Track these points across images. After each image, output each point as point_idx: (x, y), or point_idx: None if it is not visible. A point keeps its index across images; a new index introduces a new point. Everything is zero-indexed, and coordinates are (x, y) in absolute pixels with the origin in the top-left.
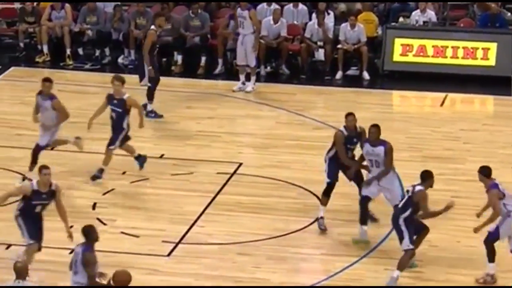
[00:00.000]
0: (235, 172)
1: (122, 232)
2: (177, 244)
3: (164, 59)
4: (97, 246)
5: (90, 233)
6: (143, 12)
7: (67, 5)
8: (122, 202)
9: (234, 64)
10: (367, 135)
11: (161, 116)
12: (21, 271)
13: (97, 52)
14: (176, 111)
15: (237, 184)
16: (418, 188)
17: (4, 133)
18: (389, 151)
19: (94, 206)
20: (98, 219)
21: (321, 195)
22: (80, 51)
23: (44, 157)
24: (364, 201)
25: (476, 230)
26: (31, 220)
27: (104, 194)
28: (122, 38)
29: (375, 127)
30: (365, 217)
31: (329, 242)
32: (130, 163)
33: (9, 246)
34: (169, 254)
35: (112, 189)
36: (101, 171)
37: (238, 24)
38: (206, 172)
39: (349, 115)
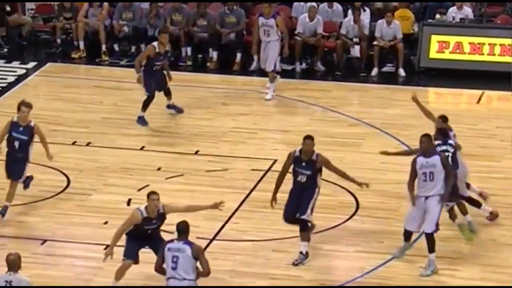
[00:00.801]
0: (269, 169)
1: None
2: (211, 240)
3: (200, 56)
4: None
5: (187, 228)
6: (179, 8)
7: (105, 3)
8: None
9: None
10: (419, 145)
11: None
12: (13, 264)
13: (133, 48)
14: (211, 107)
15: (271, 181)
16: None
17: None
18: (445, 159)
19: (128, 202)
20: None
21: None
22: (116, 47)
23: (78, 153)
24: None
25: None
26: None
27: (139, 190)
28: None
29: (426, 137)
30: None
31: (364, 240)
32: (165, 159)
33: (44, 241)
34: (203, 250)
35: (147, 185)
36: (5, 208)
37: (262, 33)
38: (240, 168)
39: (307, 139)
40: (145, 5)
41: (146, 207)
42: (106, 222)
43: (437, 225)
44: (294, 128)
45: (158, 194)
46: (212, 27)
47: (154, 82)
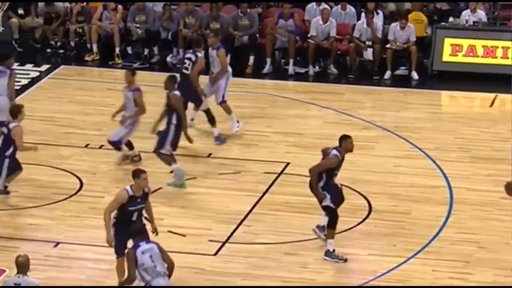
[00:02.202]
0: (282, 171)
1: (169, 231)
2: (224, 243)
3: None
4: None
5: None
6: (192, 11)
7: (120, 6)
8: (169, 201)
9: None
10: None
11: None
12: (22, 266)
13: (146, 51)
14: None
15: (284, 184)
16: (333, 152)
17: (53, 131)
18: None
19: None
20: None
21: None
22: (129, 50)
23: (91, 155)
24: None
25: None
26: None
27: (152, 192)
28: (171, 37)
29: None
30: None
31: (377, 243)
32: (178, 161)
33: (57, 244)
34: (216, 254)
35: (160, 188)
36: None
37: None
38: (253, 171)
39: (142, 173)
40: (158, 8)
41: (132, 186)
42: None
43: None
44: (307, 131)
45: (146, 173)
46: (225, 30)
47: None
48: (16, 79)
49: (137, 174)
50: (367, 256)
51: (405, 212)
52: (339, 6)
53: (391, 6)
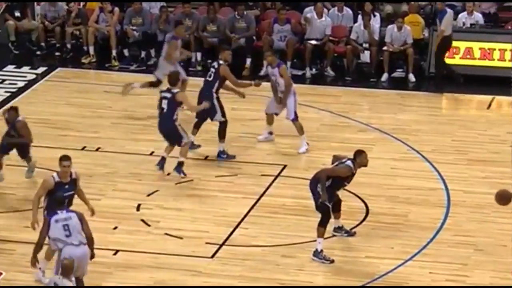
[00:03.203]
0: (279, 174)
1: (166, 234)
2: (220, 246)
3: (210, 61)
4: (141, 247)
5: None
6: (189, 13)
7: (116, 9)
8: (166, 204)
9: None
10: None
11: (233, 157)
12: (65, 268)
13: (143, 54)
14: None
15: (281, 186)
16: (348, 162)
17: (49, 134)
18: None
19: (138, 207)
20: (142, 220)
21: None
22: (126, 52)
23: (88, 158)
24: None
25: None
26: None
27: (149, 195)
28: None
29: None
30: None
31: (374, 245)
32: (175, 164)
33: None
34: (212, 256)
35: (157, 190)
36: None
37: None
38: (250, 174)
39: (65, 160)
40: (155, 10)
41: (58, 173)
42: (115, 227)
43: None
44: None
45: (70, 160)
46: (222, 32)
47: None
48: (13, 82)
49: (60, 161)
50: (364, 258)
51: (402, 214)
52: (336, 8)
53: (388, 8)
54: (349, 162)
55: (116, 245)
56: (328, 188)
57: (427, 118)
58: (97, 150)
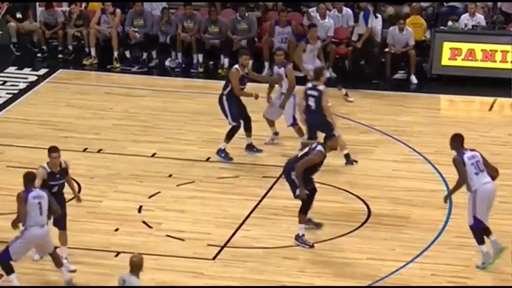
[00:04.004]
0: (281, 176)
1: (168, 235)
2: (222, 247)
3: (211, 63)
4: (143, 249)
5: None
6: (191, 15)
7: (118, 10)
8: (167, 205)
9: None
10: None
11: (231, 159)
12: (134, 265)
13: (144, 55)
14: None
15: (283, 188)
16: (318, 147)
17: (51, 136)
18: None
19: (140, 209)
20: (143, 222)
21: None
22: (127, 54)
23: (89, 159)
24: None
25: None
26: None
27: (150, 197)
28: (170, 41)
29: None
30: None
31: (375, 247)
32: (176, 166)
33: (55, 248)
34: (214, 258)
35: (158, 192)
36: None
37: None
38: (252, 175)
39: (54, 152)
40: (157, 12)
41: (48, 163)
42: (117, 229)
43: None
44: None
45: (59, 152)
46: (223, 34)
47: None
48: (14, 83)
49: (49, 153)
50: (366, 260)
51: (404, 216)
52: (335, 9)
53: (390, 10)
54: (320, 147)
55: (117, 247)
56: (303, 176)
57: (429, 119)
58: (98, 151)
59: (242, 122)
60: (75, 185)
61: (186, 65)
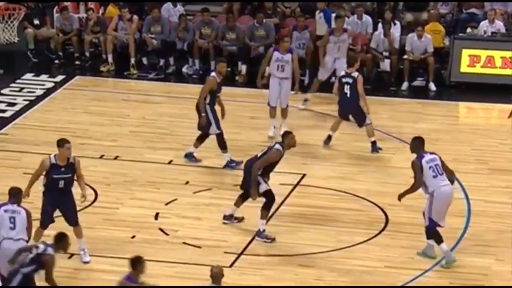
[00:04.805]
0: (298, 183)
1: (184, 243)
2: (239, 255)
3: (229, 69)
4: (159, 256)
5: (20, 192)
6: (208, 21)
7: (135, 17)
8: (184, 213)
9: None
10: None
11: (241, 162)
12: (217, 276)
13: (162, 62)
14: (239, 121)
15: (300, 196)
16: (276, 146)
17: None
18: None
19: (156, 216)
20: (160, 229)
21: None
22: (145, 60)
23: (106, 166)
24: None
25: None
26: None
27: (167, 204)
28: (187, 47)
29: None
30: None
31: (393, 255)
32: (193, 173)
33: (71, 255)
34: (231, 265)
35: (175, 199)
36: None
37: (276, 68)
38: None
39: (67, 142)
40: (174, 18)
41: (55, 155)
42: (133, 236)
43: None
44: (313, 141)
45: (70, 143)
46: (241, 41)
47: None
48: (31, 90)
49: (61, 143)
50: (384, 268)
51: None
52: (355, 15)
53: (408, 16)
54: (277, 146)
55: (134, 254)
56: (260, 175)
57: (448, 127)
58: (115, 158)
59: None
60: (85, 185)
61: (204, 72)
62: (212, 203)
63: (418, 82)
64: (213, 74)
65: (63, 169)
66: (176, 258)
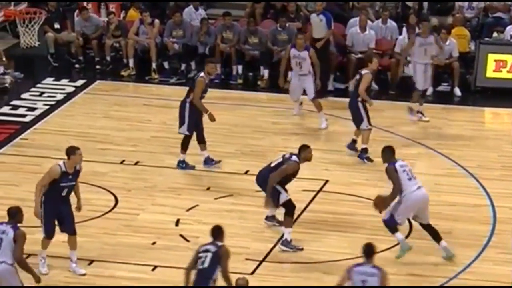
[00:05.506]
0: (321, 189)
1: None
2: (261, 262)
3: (251, 74)
4: (180, 263)
5: (19, 212)
6: (230, 25)
7: (157, 21)
8: (205, 219)
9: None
10: None
11: (193, 167)
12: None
13: (183, 66)
14: (262, 126)
15: (323, 202)
16: (293, 158)
17: (88, 148)
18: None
19: (177, 223)
20: (181, 235)
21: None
22: (166, 65)
23: (126, 172)
24: None
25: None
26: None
27: (188, 210)
28: (208, 51)
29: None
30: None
31: (416, 262)
32: (214, 179)
33: (91, 262)
34: (252, 272)
35: (196, 205)
36: None
37: (294, 64)
38: (291, 189)
39: (78, 149)
40: (196, 22)
41: (65, 162)
42: (154, 243)
43: None
44: (346, 148)
45: (80, 149)
46: (263, 45)
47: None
48: (52, 94)
49: (73, 150)
50: (407, 276)
51: (446, 231)
52: (380, 19)
53: (434, 20)
54: (294, 157)
55: (154, 260)
56: (277, 186)
57: (473, 133)
58: (136, 164)
59: (195, 133)
60: (81, 192)
61: (225, 77)
62: (233, 209)
63: (443, 87)
64: (202, 74)
65: (70, 176)
66: None
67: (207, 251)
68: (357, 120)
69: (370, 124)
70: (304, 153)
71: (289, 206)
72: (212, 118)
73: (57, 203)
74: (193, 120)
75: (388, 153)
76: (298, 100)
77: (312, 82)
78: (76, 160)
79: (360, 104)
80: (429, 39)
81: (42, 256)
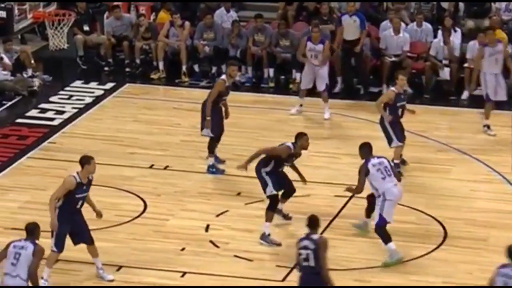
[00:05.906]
0: (353, 195)
1: (235, 256)
2: (292, 268)
3: (282, 77)
4: (210, 269)
5: (36, 228)
6: (262, 28)
7: (187, 23)
8: (235, 224)
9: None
10: None
11: (222, 172)
12: None
13: (214, 69)
14: (292, 130)
15: (355, 208)
16: (287, 143)
17: (117, 151)
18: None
19: (207, 228)
20: (211, 241)
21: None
22: (196, 67)
23: (156, 176)
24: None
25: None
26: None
27: (218, 215)
28: (240, 54)
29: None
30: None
31: (451, 270)
32: (245, 184)
33: (120, 268)
34: (283, 279)
35: (226, 211)
36: None
37: (310, 56)
38: (323, 194)
39: (92, 158)
40: (227, 25)
41: (78, 173)
42: (183, 249)
43: None
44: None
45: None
46: (295, 48)
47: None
48: (80, 98)
49: (88, 160)
50: (441, 284)
51: (482, 238)
52: (415, 23)
53: (470, 23)
54: (288, 143)
55: (184, 266)
56: (270, 171)
57: (509, 138)
58: (165, 168)
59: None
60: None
61: (257, 80)
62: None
63: (479, 91)
64: (223, 77)
65: (84, 187)
66: (226, 271)
67: (306, 248)
68: (387, 139)
69: (400, 140)
70: (301, 140)
71: (273, 201)
72: (208, 126)
73: (72, 215)
74: (216, 122)
75: (364, 149)
76: (304, 92)
77: (325, 74)
78: (91, 170)
79: (386, 124)
80: (498, 47)
81: (45, 279)
